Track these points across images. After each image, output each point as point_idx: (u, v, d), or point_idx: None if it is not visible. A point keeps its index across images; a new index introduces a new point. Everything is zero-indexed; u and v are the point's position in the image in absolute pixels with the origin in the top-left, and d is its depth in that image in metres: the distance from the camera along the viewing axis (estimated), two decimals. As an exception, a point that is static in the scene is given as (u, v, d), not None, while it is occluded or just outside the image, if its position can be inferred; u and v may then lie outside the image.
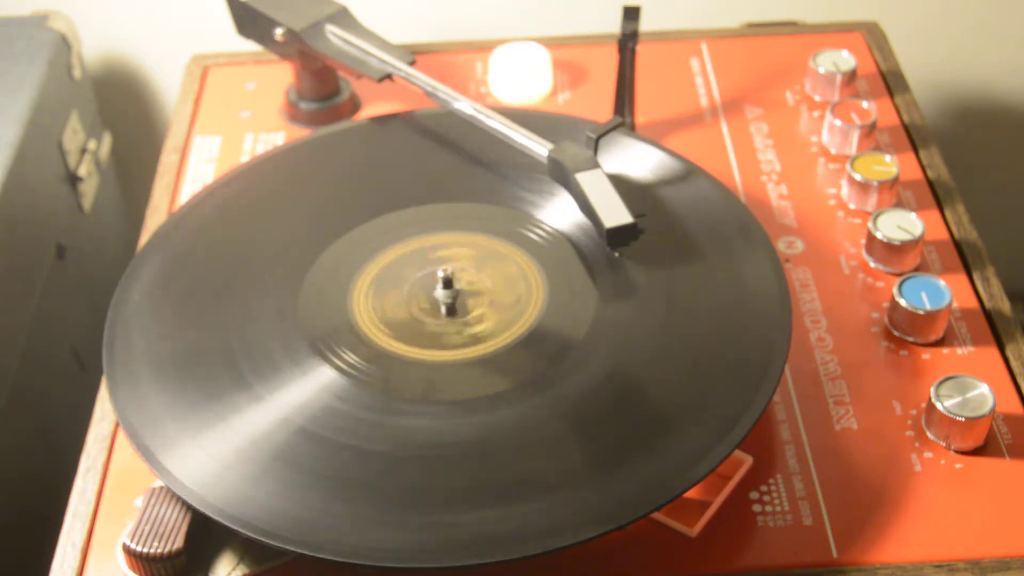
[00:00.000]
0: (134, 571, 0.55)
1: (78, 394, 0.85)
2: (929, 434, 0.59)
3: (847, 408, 0.61)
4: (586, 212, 0.64)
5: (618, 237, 0.62)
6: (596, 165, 0.64)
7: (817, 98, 0.80)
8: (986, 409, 0.58)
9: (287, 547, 0.51)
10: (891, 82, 0.81)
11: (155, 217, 0.74)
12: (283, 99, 0.81)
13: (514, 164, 0.69)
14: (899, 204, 0.72)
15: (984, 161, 1.10)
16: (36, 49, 0.87)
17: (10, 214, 0.78)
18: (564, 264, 0.64)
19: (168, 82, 1.05)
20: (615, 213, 0.62)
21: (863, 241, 0.69)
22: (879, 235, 0.67)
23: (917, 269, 0.68)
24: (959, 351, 0.63)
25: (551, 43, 0.85)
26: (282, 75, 0.84)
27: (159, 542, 0.54)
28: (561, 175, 0.65)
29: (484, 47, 0.86)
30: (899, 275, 0.66)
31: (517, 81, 0.81)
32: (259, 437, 0.55)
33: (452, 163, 0.71)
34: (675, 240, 0.64)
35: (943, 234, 0.70)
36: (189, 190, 0.76)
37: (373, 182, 0.70)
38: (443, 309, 0.62)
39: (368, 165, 0.71)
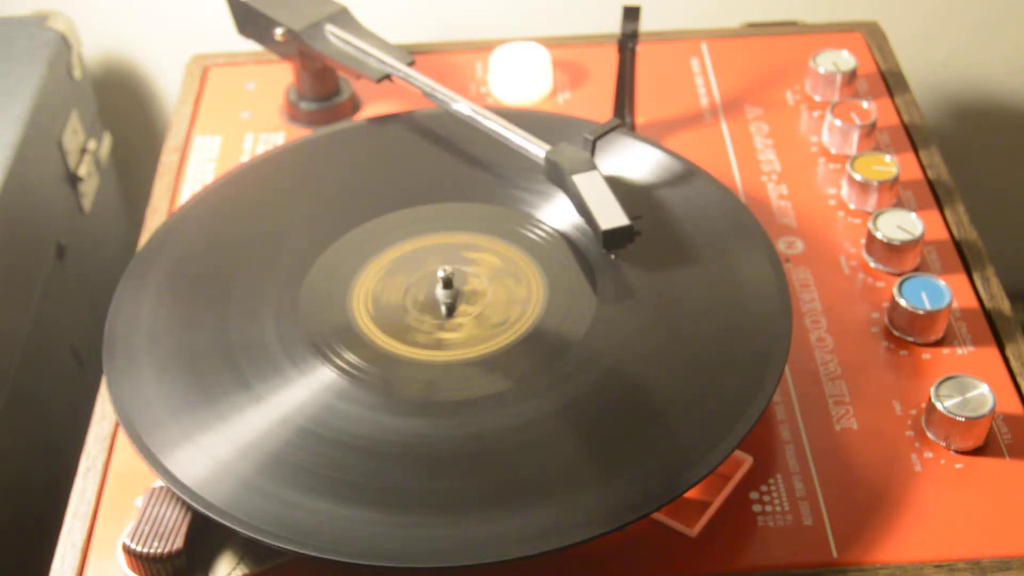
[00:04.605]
0: (134, 571, 0.55)
1: (78, 394, 0.85)
2: (929, 434, 0.59)
3: (847, 408, 0.61)
4: (583, 214, 0.64)
5: (614, 239, 0.62)
6: (593, 167, 0.64)
7: (817, 98, 0.80)
8: (986, 409, 0.58)
9: (287, 547, 0.51)
10: (891, 82, 0.81)
11: (155, 217, 0.74)
12: (283, 99, 0.81)
13: (514, 164, 0.69)
14: (899, 204, 0.72)
15: (984, 161, 1.10)
16: (36, 49, 0.87)
17: (10, 214, 0.78)
18: (564, 264, 0.64)
19: (168, 82, 1.05)
20: (611, 215, 0.62)
21: (863, 241, 0.69)
22: (879, 235, 0.67)
23: (917, 269, 0.68)
24: (959, 351, 0.63)
25: (551, 43, 0.85)
26: (282, 75, 0.84)
27: (159, 542, 0.54)
28: (558, 177, 0.65)
29: (484, 47, 0.86)
30: (899, 275, 0.66)
31: (517, 81, 0.81)
32: (259, 437, 0.55)
33: (451, 163, 0.71)
34: (675, 240, 0.64)
35: (943, 234, 0.70)
36: (189, 190, 0.76)
37: (372, 182, 0.70)
38: (443, 309, 0.62)
39: (368, 165, 0.71)
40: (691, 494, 0.57)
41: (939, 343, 0.64)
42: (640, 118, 0.79)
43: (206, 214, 0.68)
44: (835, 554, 0.55)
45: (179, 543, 0.54)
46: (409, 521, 0.52)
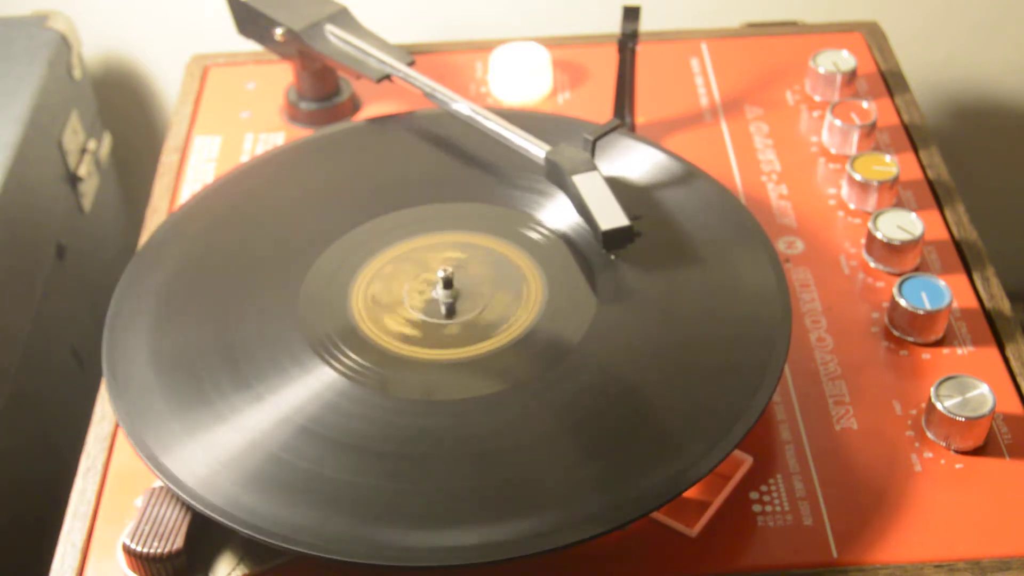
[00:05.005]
0: (134, 571, 0.55)
1: (78, 394, 0.85)
2: (929, 434, 0.59)
3: (847, 408, 0.61)
4: (582, 214, 0.64)
5: (614, 239, 0.62)
6: (593, 167, 0.64)
7: (817, 98, 0.80)
8: (986, 409, 0.58)
9: (287, 547, 0.51)
10: (891, 82, 0.81)
11: (155, 217, 0.74)
12: (283, 99, 0.81)
13: (514, 164, 0.69)
14: (899, 204, 0.72)
15: (984, 161, 1.10)
16: (36, 49, 0.87)
17: (10, 214, 0.78)
18: (563, 265, 0.64)
19: (168, 82, 1.05)
20: (611, 215, 0.62)
21: (863, 241, 0.69)
22: (879, 235, 0.67)
23: (917, 269, 0.68)
24: (959, 351, 0.63)
25: (551, 43, 0.85)
26: (282, 75, 0.84)
27: (159, 542, 0.54)
28: (558, 177, 0.65)
29: (484, 47, 0.86)
30: (899, 275, 0.66)
31: (517, 81, 0.81)
32: (259, 437, 0.55)
33: (451, 163, 0.71)
34: (675, 240, 0.64)
35: (943, 234, 0.70)
36: (189, 190, 0.76)
37: (373, 182, 0.70)
38: (443, 309, 0.62)
39: (368, 165, 0.71)
40: (691, 494, 0.57)
41: (939, 343, 0.64)
42: (640, 118, 0.79)
43: (206, 214, 0.68)
44: (835, 554, 0.55)
45: (179, 543, 0.54)
46: (409, 521, 0.52)
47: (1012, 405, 0.61)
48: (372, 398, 0.57)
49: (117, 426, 0.62)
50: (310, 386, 0.58)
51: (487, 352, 0.59)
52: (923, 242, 0.68)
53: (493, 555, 0.50)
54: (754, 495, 0.57)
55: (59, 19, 0.91)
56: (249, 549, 0.55)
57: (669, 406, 0.56)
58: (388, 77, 0.73)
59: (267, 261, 0.65)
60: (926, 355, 0.63)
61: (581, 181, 0.64)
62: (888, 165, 0.71)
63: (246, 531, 0.52)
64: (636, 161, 0.69)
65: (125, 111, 1.07)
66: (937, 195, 0.73)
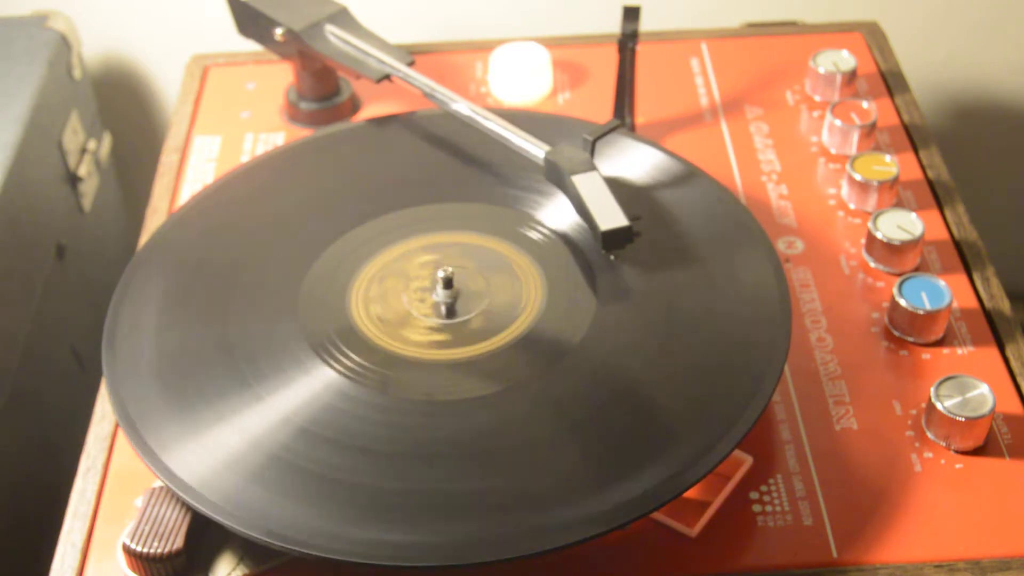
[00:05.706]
0: (134, 571, 0.55)
1: (78, 394, 0.85)
2: (929, 434, 0.59)
3: (847, 408, 0.61)
4: (582, 214, 0.64)
5: (613, 240, 0.62)
6: (592, 167, 0.64)
7: (817, 98, 0.80)
8: (986, 409, 0.58)
9: (287, 547, 0.51)
10: (891, 82, 0.81)
11: (155, 217, 0.74)
12: (283, 99, 0.81)
13: (513, 164, 0.69)
14: (899, 204, 0.72)
15: (984, 161, 1.10)
16: (36, 49, 0.87)
17: (10, 214, 0.78)
18: (563, 265, 0.64)
19: (168, 82, 1.06)
20: (610, 216, 0.62)
21: (863, 241, 0.69)
22: (879, 235, 0.67)
23: (917, 269, 0.68)
24: (959, 351, 0.63)
25: (551, 43, 0.85)
26: (282, 75, 0.84)
27: (159, 542, 0.54)
28: (557, 177, 0.65)
29: (484, 47, 0.86)
30: (899, 275, 0.66)
31: (517, 81, 0.81)
32: (259, 437, 0.55)
33: (451, 163, 0.71)
34: (675, 240, 0.64)
35: (943, 234, 0.70)
36: (189, 190, 0.76)
37: (373, 182, 0.70)
38: (443, 309, 0.62)
39: (368, 165, 0.71)
40: (691, 494, 0.57)
41: (939, 343, 0.64)
42: (640, 118, 0.79)
43: (206, 214, 0.68)
44: (835, 554, 0.55)
45: (179, 543, 0.54)
46: (409, 521, 0.52)
47: (1012, 405, 0.61)
48: (372, 398, 0.57)
49: (117, 426, 0.62)
50: (310, 386, 0.58)
51: (487, 352, 0.59)
52: (923, 242, 0.68)
53: (493, 554, 0.50)
54: (754, 495, 0.57)
55: (59, 19, 0.91)
56: (249, 549, 0.55)
57: (669, 406, 0.56)
58: (388, 77, 0.73)
59: (267, 261, 0.65)
60: (926, 355, 0.63)
61: (580, 181, 0.64)
62: (888, 165, 0.71)
63: (246, 531, 0.52)
64: (636, 161, 0.69)
65: (125, 111, 1.07)
66: (937, 195, 0.73)
